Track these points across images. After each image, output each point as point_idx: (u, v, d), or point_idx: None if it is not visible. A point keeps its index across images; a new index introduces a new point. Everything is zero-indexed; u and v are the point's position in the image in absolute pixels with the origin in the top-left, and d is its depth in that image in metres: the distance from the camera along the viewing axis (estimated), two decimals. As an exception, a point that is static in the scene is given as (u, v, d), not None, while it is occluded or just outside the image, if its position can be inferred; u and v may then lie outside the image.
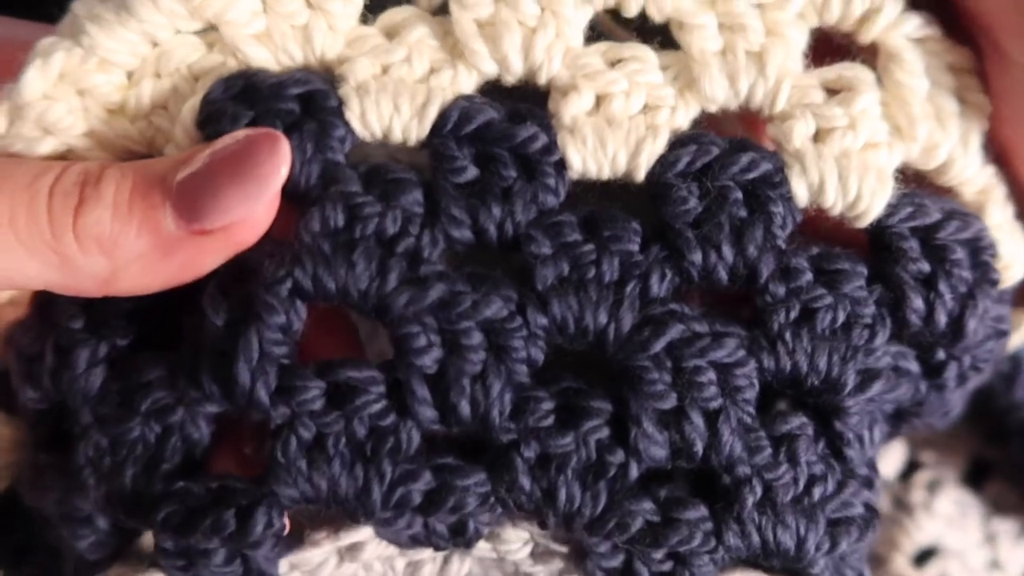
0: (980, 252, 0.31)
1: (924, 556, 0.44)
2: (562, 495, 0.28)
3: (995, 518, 0.44)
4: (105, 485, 0.29)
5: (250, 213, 0.28)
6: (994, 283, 0.31)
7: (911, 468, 0.45)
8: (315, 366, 0.28)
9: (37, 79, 0.29)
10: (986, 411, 0.41)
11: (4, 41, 0.32)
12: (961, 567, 0.43)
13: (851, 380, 0.29)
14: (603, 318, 0.28)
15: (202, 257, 0.28)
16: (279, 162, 0.28)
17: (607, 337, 0.28)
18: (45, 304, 0.31)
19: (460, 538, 0.29)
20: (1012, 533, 0.44)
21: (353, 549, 0.30)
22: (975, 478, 0.45)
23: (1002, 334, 0.32)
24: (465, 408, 0.28)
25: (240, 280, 0.28)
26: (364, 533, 0.29)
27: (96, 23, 0.29)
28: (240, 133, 0.28)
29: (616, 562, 0.29)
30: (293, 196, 0.28)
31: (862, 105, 0.30)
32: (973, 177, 0.31)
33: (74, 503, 0.30)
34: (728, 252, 0.28)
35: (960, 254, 0.30)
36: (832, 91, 0.30)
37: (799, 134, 0.29)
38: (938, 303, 0.30)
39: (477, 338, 0.28)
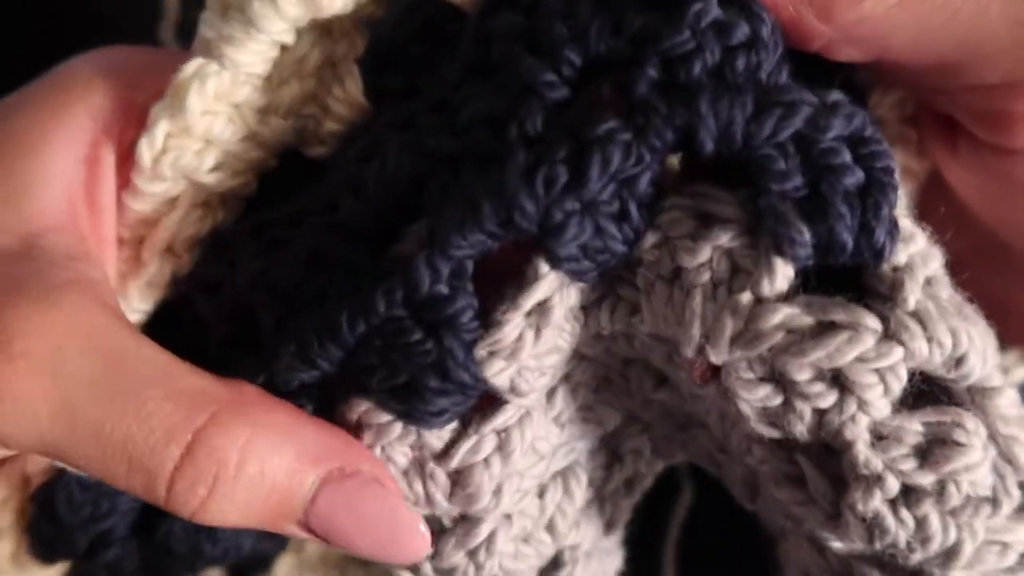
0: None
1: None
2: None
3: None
4: None
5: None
6: None
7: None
8: None
9: (197, 100, 0.31)
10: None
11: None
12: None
13: None
14: None
15: None
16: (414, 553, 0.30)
17: None
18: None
19: (626, 225, 0.28)
20: None
21: (541, 312, 0.28)
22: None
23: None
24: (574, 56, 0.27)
25: None
26: (543, 287, 0.28)
27: (231, 44, 0.31)
28: (390, 502, 0.29)
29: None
30: None
31: None
32: None
33: None
34: None
35: None
36: None
37: None
38: None
39: None
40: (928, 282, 0.27)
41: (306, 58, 0.33)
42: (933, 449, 0.28)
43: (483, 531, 0.31)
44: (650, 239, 0.28)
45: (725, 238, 0.27)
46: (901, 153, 0.33)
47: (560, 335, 0.29)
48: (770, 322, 0.26)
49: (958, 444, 0.28)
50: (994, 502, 0.28)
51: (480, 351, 0.28)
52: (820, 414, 0.27)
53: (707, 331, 0.27)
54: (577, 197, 0.26)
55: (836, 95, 0.27)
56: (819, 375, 0.27)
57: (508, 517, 0.32)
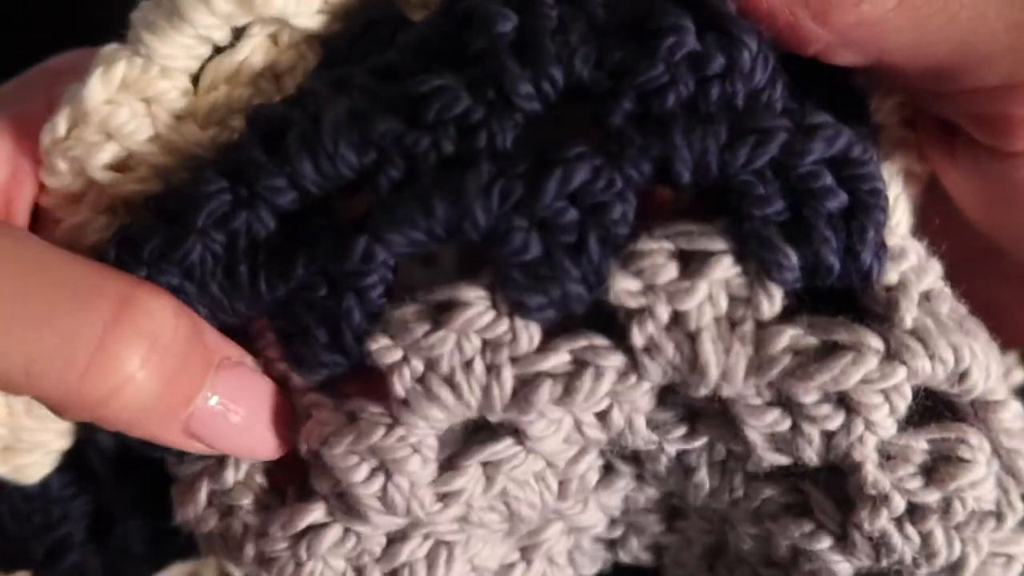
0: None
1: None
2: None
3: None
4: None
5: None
6: None
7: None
8: None
9: (99, 86, 0.29)
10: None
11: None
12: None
13: None
14: None
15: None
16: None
17: None
18: None
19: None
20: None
21: (448, 310, 0.28)
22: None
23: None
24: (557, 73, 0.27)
25: None
26: (464, 291, 0.28)
27: (151, 31, 0.28)
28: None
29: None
30: None
31: None
32: None
33: None
34: None
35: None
36: None
37: None
38: None
39: None
40: (925, 297, 0.27)
41: (244, 64, 0.30)
42: (939, 466, 0.28)
43: None
44: (631, 285, 0.26)
45: (719, 271, 0.26)
46: (903, 157, 0.32)
47: (477, 364, 0.28)
48: (778, 346, 0.26)
49: (963, 460, 0.28)
50: (998, 516, 0.28)
51: (376, 340, 0.28)
52: (828, 436, 0.27)
53: (724, 370, 0.26)
54: (529, 211, 0.26)
55: (819, 116, 0.27)
56: (825, 397, 0.27)
57: None
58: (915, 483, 0.28)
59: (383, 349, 0.28)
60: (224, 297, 0.29)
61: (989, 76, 0.29)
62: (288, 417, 0.30)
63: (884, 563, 0.29)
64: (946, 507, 0.28)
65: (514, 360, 0.27)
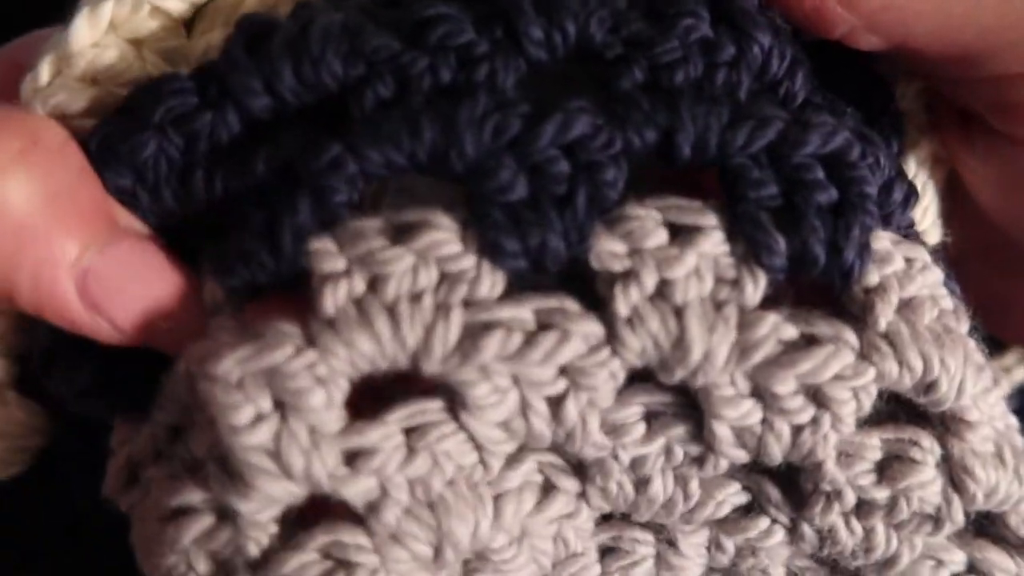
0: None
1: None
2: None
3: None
4: None
5: None
6: None
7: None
8: None
9: (85, 28, 0.27)
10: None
11: None
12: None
13: None
14: None
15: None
16: None
17: None
18: None
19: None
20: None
21: (410, 230, 0.25)
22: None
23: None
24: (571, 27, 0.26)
25: None
26: (433, 218, 0.25)
27: None
28: None
29: None
30: None
31: None
32: None
33: None
34: None
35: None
36: None
37: None
38: None
39: None
40: (906, 304, 0.27)
41: (241, 6, 0.28)
42: (891, 464, 0.28)
43: None
44: (617, 247, 0.26)
45: (708, 245, 0.26)
46: (929, 143, 0.32)
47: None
48: (762, 331, 0.25)
49: (914, 461, 0.28)
50: (937, 521, 0.29)
51: (319, 242, 0.25)
52: (797, 432, 0.27)
53: (707, 350, 0.25)
54: (521, 153, 0.25)
55: (821, 116, 0.27)
56: (799, 389, 0.26)
57: None
58: (868, 480, 0.28)
59: (324, 253, 0.25)
60: (177, 205, 0.27)
61: (1012, 63, 0.29)
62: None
63: (826, 553, 0.29)
64: (892, 505, 0.28)
65: (468, 304, 0.25)
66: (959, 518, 0.29)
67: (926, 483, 0.28)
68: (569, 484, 0.28)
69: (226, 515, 0.25)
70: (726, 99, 0.27)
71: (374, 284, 0.24)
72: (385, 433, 0.25)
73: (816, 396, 0.26)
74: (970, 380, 0.27)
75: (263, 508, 0.24)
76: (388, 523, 0.25)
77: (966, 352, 0.27)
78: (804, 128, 0.26)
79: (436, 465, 0.25)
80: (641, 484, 0.28)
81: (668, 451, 0.28)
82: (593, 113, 0.26)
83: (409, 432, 0.25)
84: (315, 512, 0.25)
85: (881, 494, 0.28)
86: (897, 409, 0.28)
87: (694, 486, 0.28)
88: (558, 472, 0.28)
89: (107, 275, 0.26)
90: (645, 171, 0.27)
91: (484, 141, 0.25)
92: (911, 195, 0.29)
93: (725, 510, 0.29)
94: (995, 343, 0.36)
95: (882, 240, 0.27)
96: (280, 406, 0.24)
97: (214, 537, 0.25)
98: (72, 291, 0.26)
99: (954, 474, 0.28)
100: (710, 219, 0.26)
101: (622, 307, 0.25)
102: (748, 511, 0.29)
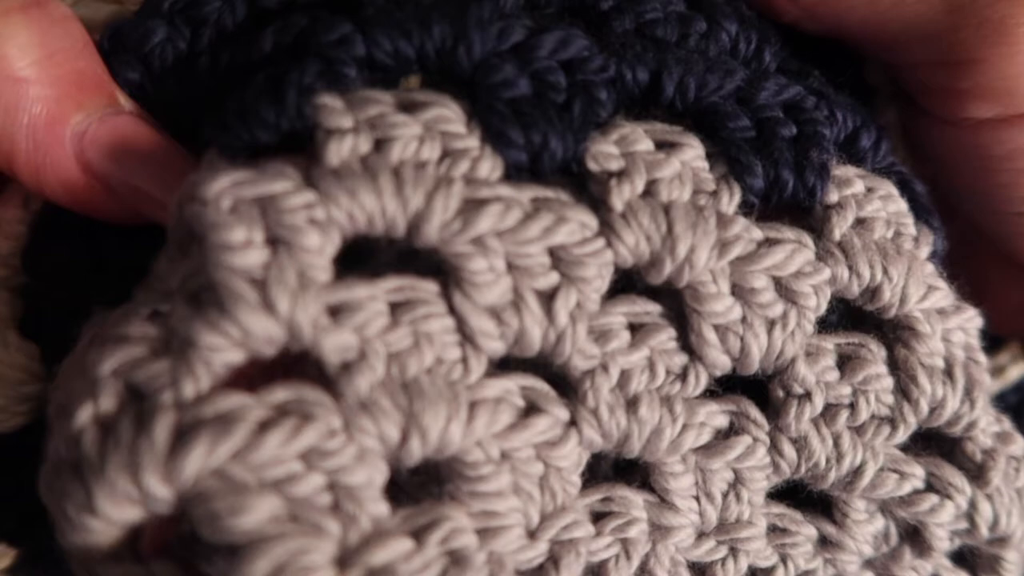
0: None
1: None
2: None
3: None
4: None
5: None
6: None
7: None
8: None
9: None
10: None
11: None
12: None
13: None
14: None
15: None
16: None
17: None
18: None
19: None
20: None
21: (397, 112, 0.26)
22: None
23: None
24: None
25: None
26: (441, 110, 0.26)
27: None
28: None
29: None
30: None
31: None
32: None
33: None
34: None
35: None
36: None
37: None
38: None
39: None
40: (860, 222, 0.31)
41: None
42: (847, 363, 0.31)
43: None
44: (611, 149, 0.28)
45: (690, 154, 0.29)
46: (894, 113, 0.37)
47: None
48: (736, 229, 0.28)
49: (865, 360, 0.31)
50: (892, 423, 0.31)
51: (327, 97, 0.25)
52: (770, 328, 0.29)
53: (692, 245, 0.27)
54: (524, 58, 0.27)
55: (779, 77, 0.32)
56: (770, 283, 0.29)
57: None
58: (832, 376, 0.31)
59: (331, 109, 0.25)
60: (183, 95, 0.28)
61: (933, 52, 0.32)
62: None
63: (804, 468, 0.31)
64: (854, 404, 0.31)
65: (469, 181, 0.25)
66: (911, 420, 0.31)
67: (879, 376, 0.31)
68: (557, 410, 0.28)
69: (165, 351, 0.23)
70: (699, 56, 0.31)
71: (379, 146, 0.25)
72: (371, 294, 0.24)
73: (783, 291, 0.29)
74: (913, 290, 0.31)
75: (224, 347, 0.23)
76: (360, 388, 0.24)
77: (911, 266, 0.31)
78: (764, 77, 0.31)
79: (416, 345, 0.25)
80: (631, 406, 0.28)
81: (652, 368, 0.29)
82: (591, 40, 0.29)
83: (395, 306, 0.25)
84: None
85: (844, 391, 0.31)
86: (847, 322, 0.32)
87: (679, 407, 0.29)
88: (544, 397, 0.28)
89: (105, 142, 0.26)
90: None
91: (490, 40, 0.27)
92: (880, 139, 0.33)
93: (707, 435, 0.30)
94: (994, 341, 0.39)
95: (845, 169, 0.31)
96: (272, 242, 0.23)
97: (142, 366, 0.23)
98: (70, 151, 0.26)
99: (901, 379, 0.31)
100: (691, 139, 0.29)
101: (617, 202, 0.27)
102: (728, 435, 0.31)
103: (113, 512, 0.22)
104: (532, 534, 0.27)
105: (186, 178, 0.24)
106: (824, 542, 0.33)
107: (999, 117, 0.32)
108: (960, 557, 0.34)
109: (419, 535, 0.24)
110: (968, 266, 0.35)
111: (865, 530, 0.33)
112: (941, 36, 0.32)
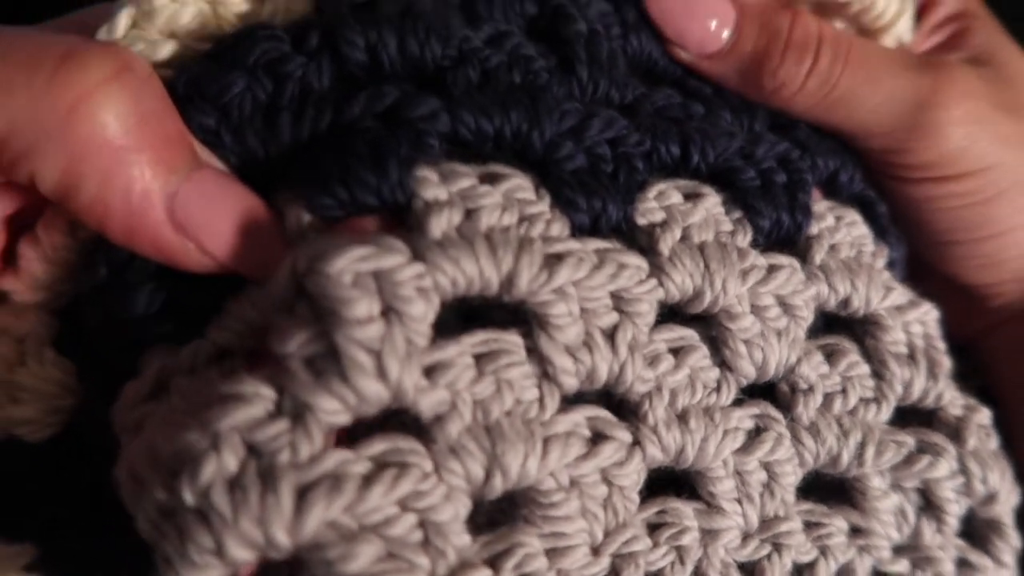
0: None
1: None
2: None
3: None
4: None
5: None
6: None
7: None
8: None
9: None
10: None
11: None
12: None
13: None
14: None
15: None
16: None
17: None
18: None
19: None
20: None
21: (492, 180, 0.30)
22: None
23: None
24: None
25: None
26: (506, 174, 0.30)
27: None
28: None
29: None
30: None
31: None
32: None
33: None
34: None
35: None
36: None
37: None
38: None
39: None
40: (832, 248, 0.37)
41: None
42: (830, 358, 0.37)
43: None
44: (652, 205, 0.33)
45: (711, 201, 0.34)
46: None
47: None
48: (749, 261, 0.34)
49: (845, 352, 0.37)
50: (877, 402, 0.37)
51: (425, 170, 0.28)
52: (779, 337, 0.34)
53: (725, 277, 0.33)
54: (578, 137, 0.32)
55: (768, 135, 0.37)
56: (776, 302, 0.34)
57: None
58: (825, 368, 0.36)
59: (431, 182, 0.28)
60: (259, 146, 0.28)
61: (883, 144, 0.40)
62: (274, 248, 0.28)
63: (822, 454, 0.35)
64: (844, 391, 0.36)
65: (545, 240, 0.29)
66: (891, 396, 0.37)
67: (859, 363, 0.37)
68: (620, 434, 0.31)
69: (279, 413, 0.25)
70: (708, 126, 0.36)
71: (470, 215, 0.28)
72: (460, 351, 0.27)
73: (784, 307, 0.35)
74: (875, 294, 0.37)
75: (339, 411, 0.25)
76: (450, 435, 0.26)
77: (871, 275, 0.37)
78: (759, 139, 0.37)
79: (498, 391, 0.28)
80: (682, 420, 0.32)
81: (693, 384, 0.33)
82: (627, 122, 0.33)
83: (479, 357, 0.28)
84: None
85: (835, 380, 0.36)
86: (822, 326, 0.37)
87: (718, 416, 0.33)
88: (608, 424, 0.31)
89: (194, 200, 0.27)
90: None
91: (554, 124, 0.31)
92: (854, 175, 0.39)
93: (741, 438, 0.34)
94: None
95: (820, 205, 0.38)
96: (385, 312, 0.25)
97: (264, 427, 0.25)
98: (163, 214, 0.27)
99: (874, 365, 0.37)
100: (709, 190, 0.35)
101: (664, 248, 0.32)
102: (756, 435, 0.34)
103: (239, 557, 0.24)
104: (596, 550, 0.30)
105: (279, 239, 0.28)
106: (854, 531, 0.36)
107: (925, 177, 0.40)
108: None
109: (495, 563, 0.28)
110: (947, 271, 0.43)
111: (886, 506, 0.36)
112: (887, 135, 0.39)
